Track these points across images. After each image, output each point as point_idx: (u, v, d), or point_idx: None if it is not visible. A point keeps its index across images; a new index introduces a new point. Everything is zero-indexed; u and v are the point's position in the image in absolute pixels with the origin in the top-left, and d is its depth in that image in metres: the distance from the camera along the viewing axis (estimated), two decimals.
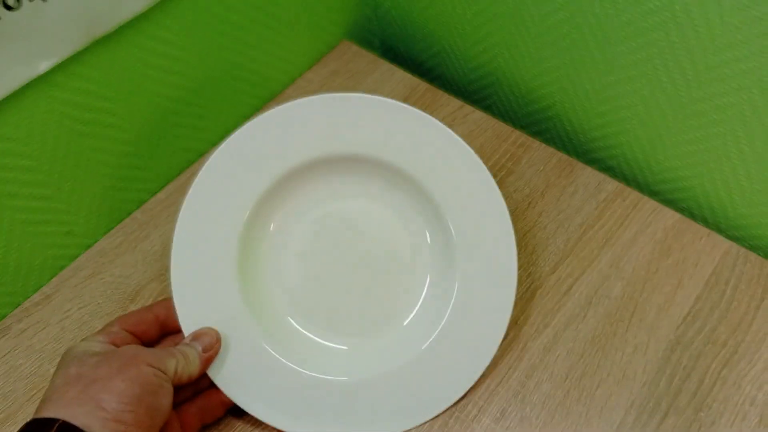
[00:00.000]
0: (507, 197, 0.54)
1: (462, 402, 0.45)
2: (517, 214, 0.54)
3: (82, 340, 0.40)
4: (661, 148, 0.54)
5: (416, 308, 0.47)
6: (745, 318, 0.48)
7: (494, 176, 0.55)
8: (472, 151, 0.46)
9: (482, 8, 0.57)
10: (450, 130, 0.46)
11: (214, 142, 0.58)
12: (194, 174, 0.57)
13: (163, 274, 0.51)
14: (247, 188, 0.46)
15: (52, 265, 0.51)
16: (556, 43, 0.54)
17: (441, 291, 0.47)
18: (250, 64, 0.58)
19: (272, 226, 0.48)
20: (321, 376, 0.44)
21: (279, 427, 0.43)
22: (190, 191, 0.46)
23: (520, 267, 0.51)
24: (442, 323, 0.45)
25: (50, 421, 0.33)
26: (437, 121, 0.46)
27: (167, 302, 0.45)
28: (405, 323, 0.47)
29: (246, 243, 0.46)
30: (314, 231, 0.48)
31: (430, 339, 0.45)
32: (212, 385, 0.43)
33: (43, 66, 0.43)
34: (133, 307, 0.50)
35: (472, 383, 0.45)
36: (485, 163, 0.56)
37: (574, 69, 0.55)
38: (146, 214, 0.55)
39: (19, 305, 0.50)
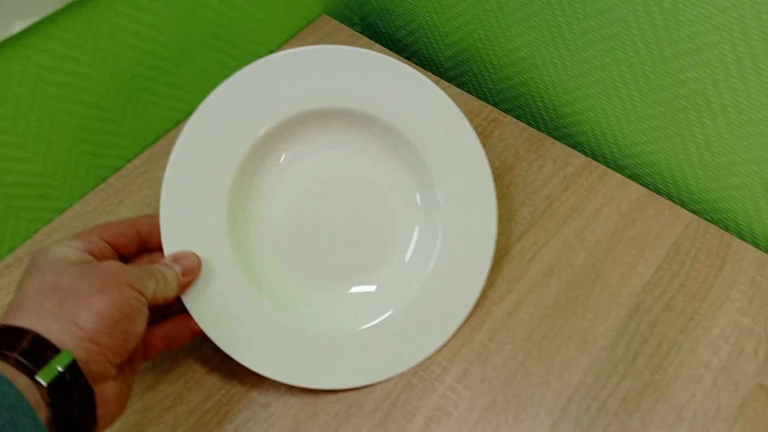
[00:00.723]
0: None
1: (425, 363, 0.46)
2: None
3: (56, 243, 0.38)
4: (627, 123, 0.55)
5: (406, 256, 0.49)
6: (703, 286, 0.49)
7: None
8: (463, 117, 0.48)
9: None
10: (446, 95, 0.47)
11: (190, 111, 0.58)
12: (170, 142, 0.58)
13: None
14: (248, 128, 0.46)
15: (26, 228, 0.52)
16: (527, 19, 0.55)
17: (427, 243, 0.48)
18: (227, 35, 0.58)
19: (271, 166, 0.48)
20: (295, 322, 0.45)
21: (247, 365, 0.44)
22: (190, 122, 0.45)
23: None
24: (428, 276, 0.47)
25: (22, 331, 0.32)
26: (437, 87, 0.47)
27: (151, 218, 0.43)
28: (389, 274, 0.48)
29: (240, 180, 0.46)
30: (307, 180, 0.49)
31: (409, 297, 0.47)
32: (182, 311, 0.43)
33: (18, 26, 0.43)
34: None
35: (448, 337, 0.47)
36: None
37: (545, 45, 0.56)
38: (121, 181, 0.55)
39: None
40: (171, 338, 0.42)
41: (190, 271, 0.42)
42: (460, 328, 0.47)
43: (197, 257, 0.43)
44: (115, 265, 0.37)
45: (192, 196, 0.44)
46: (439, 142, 0.47)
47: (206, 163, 0.45)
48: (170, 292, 0.40)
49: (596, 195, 0.54)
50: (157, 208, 0.53)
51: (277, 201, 0.48)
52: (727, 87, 0.46)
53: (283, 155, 0.48)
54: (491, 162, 0.56)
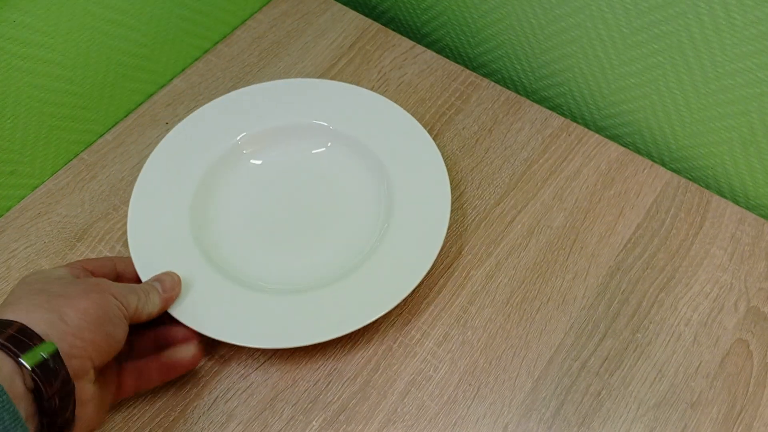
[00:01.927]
0: (456, 134, 0.55)
1: (406, 328, 0.46)
2: (464, 151, 0.54)
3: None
4: (604, 82, 0.54)
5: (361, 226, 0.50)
6: (683, 244, 0.49)
7: (443, 114, 0.56)
8: (405, 111, 0.53)
9: None
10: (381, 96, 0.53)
11: (162, 84, 0.58)
12: (142, 114, 0.57)
13: (109, 213, 0.51)
14: (208, 151, 0.51)
15: None
16: None
17: (381, 219, 0.49)
18: (197, 4, 0.57)
19: (228, 181, 0.52)
20: (265, 296, 0.45)
21: (234, 342, 0.43)
22: (152, 155, 0.50)
23: (465, 201, 0.51)
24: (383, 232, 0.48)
25: (9, 322, 0.33)
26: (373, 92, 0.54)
27: (126, 259, 0.46)
28: (349, 234, 0.49)
29: (198, 198, 0.50)
30: (265, 177, 0.52)
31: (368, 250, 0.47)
32: (152, 352, 0.43)
33: None
34: (80, 246, 0.50)
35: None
36: (436, 100, 0.57)
37: (520, 4, 0.55)
38: (93, 155, 0.54)
39: None
40: (140, 377, 0.42)
41: (171, 288, 0.43)
42: (439, 293, 0.47)
43: (177, 275, 0.44)
44: (98, 279, 0.40)
45: (156, 225, 0.48)
46: (390, 142, 0.52)
47: (166, 195, 0.49)
48: (153, 308, 0.41)
49: (575, 156, 0.53)
50: (130, 182, 0.53)
51: (235, 204, 0.51)
52: (702, 39, 0.46)
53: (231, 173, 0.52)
54: (469, 126, 0.56)
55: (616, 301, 0.47)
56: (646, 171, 0.52)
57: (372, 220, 0.49)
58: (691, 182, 0.51)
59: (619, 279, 0.48)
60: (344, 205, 0.51)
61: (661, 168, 0.52)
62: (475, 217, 0.51)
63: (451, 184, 0.50)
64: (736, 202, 0.53)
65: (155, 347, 0.43)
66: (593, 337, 0.45)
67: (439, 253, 0.46)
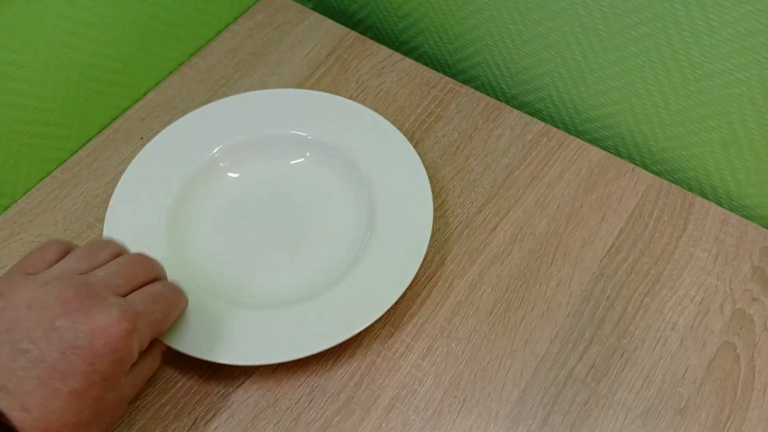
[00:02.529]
0: (436, 142, 0.54)
1: (389, 341, 0.45)
2: (445, 159, 0.53)
3: None
4: (584, 86, 0.54)
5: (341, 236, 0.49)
6: (667, 248, 0.48)
7: (423, 122, 0.56)
8: (384, 118, 0.52)
9: None
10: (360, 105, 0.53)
11: (136, 98, 0.57)
12: (117, 130, 0.56)
13: (84, 231, 0.50)
14: (191, 157, 0.51)
15: None
16: None
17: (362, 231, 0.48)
18: (171, 17, 0.56)
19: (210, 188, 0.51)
20: (262, 309, 0.45)
21: (213, 359, 0.42)
22: (127, 171, 0.50)
23: (447, 209, 0.51)
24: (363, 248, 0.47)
25: None
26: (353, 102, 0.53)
27: None
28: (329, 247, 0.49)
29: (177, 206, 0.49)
30: (243, 190, 0.52)
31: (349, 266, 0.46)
32: None
33: None
34: None
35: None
36: (415, 108, 0.57)
37: (497, 9, 0.54)
38: (67, 173, 0.53)
39: None
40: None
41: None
42: (422, 305, 0.46)
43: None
44: None
45: (133, 242, 0.45)
46: (372, 152, 0.51)
47: (141, 209, 0.49)
48: None
49: (556, 161, 0.53)
50: (105, 199, 0.52)
51: (213, 218, 0.50)
52: (680, 41, 0.45)
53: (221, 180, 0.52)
54: (449, 134, 0.55)
55: (601, 308, 0.46)
56: (627, 174, 0.52)
57: (353, 230, 0.49)
58: (673, 184, 0.51)
59: (603, 285, 0.47)
60: (324, 216, 0.50)
61: (643, 171, 0.52)
62: (457, 226, 0.50)
63: (432, 193, 0.50)
64: (719, 204, 0.53)
65: None
66: (579, 345, 0.45)
67: (422, 263, 0.45)
